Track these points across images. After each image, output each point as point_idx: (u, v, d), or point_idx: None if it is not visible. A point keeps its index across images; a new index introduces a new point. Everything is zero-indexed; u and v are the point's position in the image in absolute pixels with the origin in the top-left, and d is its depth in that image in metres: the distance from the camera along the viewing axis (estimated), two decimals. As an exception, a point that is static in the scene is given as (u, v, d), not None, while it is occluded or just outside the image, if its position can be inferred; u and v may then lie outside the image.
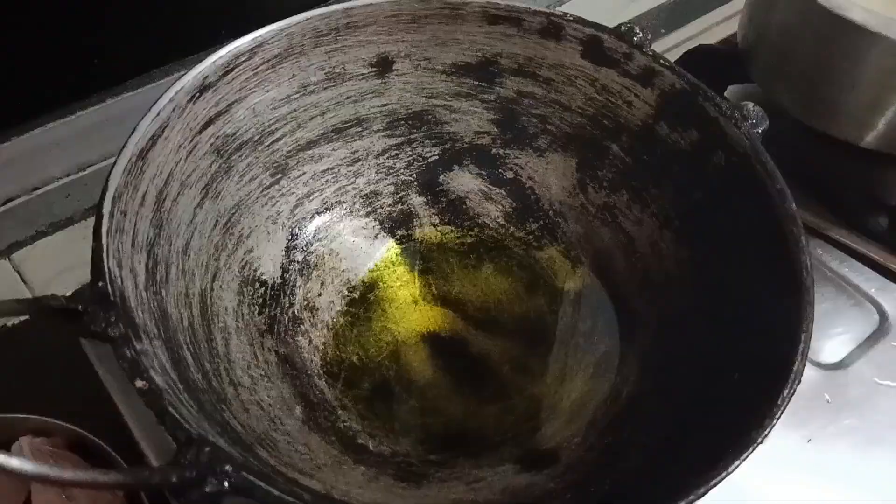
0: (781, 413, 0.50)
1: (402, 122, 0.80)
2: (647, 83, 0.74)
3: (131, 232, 0.57)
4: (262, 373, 0.65)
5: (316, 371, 0.68)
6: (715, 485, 0.47)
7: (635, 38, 0.73)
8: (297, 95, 0.74)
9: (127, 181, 0.57)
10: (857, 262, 0.87)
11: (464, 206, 0.82)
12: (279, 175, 0.75)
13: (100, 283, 0.49)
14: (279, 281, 0.73)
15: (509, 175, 0.82)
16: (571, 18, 0.74)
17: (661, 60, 0.72)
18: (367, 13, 0.74)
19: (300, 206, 0.77)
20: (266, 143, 0.73)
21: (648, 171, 0.75)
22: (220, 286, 0.67)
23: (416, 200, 0.82)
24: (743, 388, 0.56)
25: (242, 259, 0.71)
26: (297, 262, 0.75)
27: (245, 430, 0.57)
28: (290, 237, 0.76)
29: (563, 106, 0.79)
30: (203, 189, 0.68)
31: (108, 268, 0.51)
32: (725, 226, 0.67)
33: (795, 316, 0.55)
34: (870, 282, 0.86)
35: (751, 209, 0.64)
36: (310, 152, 0.77)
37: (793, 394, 0.51)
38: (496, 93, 0.80)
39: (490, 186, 0.82)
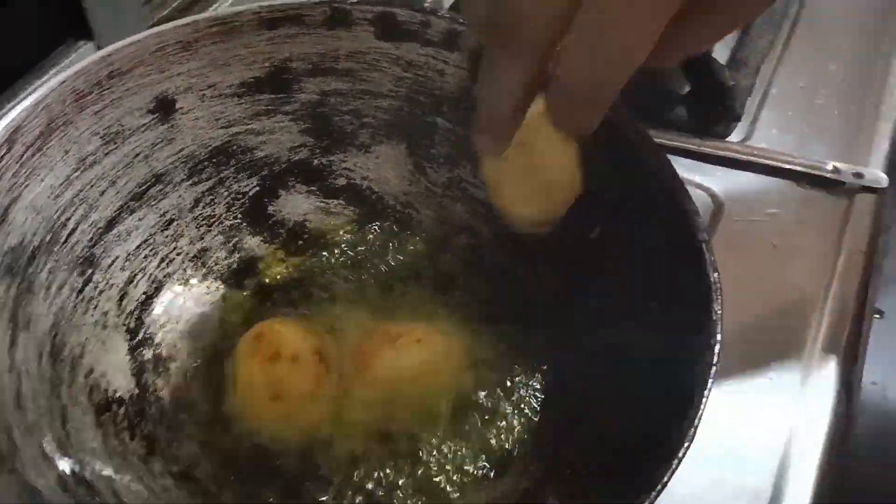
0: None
1: (206, 164, 0.70)
2: (452, 47, 0.70)
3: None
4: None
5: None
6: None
7: (426, 4, 0.69)
8: (78, 173, 0.62)
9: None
10: (676, 156, 0.91)
11: (305, 230, 0.74)
12: (89, 271, 0.63)
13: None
14: (136, 391, 0.62)
15: (341, 182, 0.75)
16: (356, 0, 0.68)
17: (461, 20, 0.69)
18: (130, 54, 0.63)
19: (126, 296, 0.65)
20: (61, 241, 0.61)
21: (481, 134, 0.72)
22: (76, 429, 0.55)
23: (253, 242, 0.73)
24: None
25: (86, 385, 0.59)
26: (148, 360, 0.64)
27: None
28: (128, 337, 0.64)
29: (373, 94, 0.73)
30: (9, 323, 0.54)
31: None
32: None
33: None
34: (692, 171, 0.90)
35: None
36: (114, 232, 0.65)
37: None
38: (298, 100, 0.72)
39: (325, 200, 0.75)
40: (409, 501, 0.57)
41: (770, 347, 0.75)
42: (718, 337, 0.50)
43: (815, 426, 0.70)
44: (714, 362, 0.48)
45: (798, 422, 0.70)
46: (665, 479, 0.44)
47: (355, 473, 0.59)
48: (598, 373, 0.59)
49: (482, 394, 0.63)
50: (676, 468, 0.44)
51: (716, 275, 0.53)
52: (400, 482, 0.58)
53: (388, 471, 0.59)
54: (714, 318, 0.50)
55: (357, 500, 0.57)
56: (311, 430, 0.61)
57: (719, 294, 0.52)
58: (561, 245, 0.67)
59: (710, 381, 0.47)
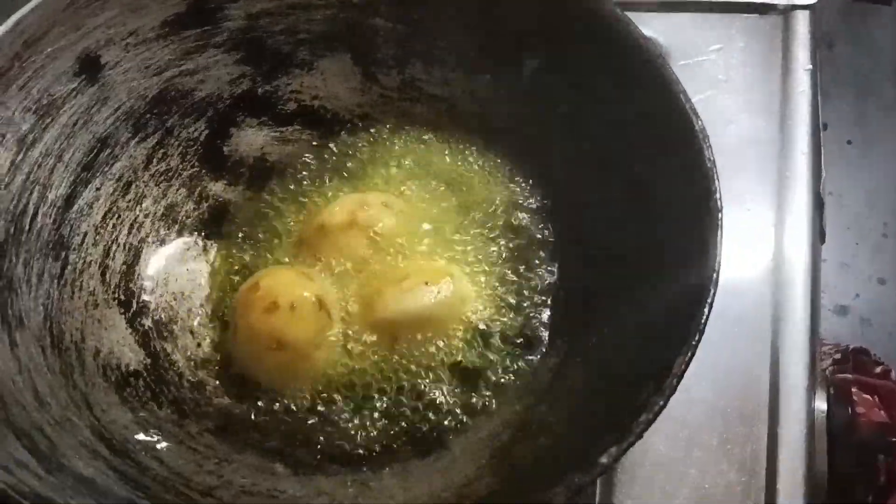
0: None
1: (148, 116, 0.66)
2: (375, -59, 0.66)
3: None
4: (217, 460, 0.55)
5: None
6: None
7: None
8: (21, 155, 0.58)
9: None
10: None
11: (266, 165, 0.72)
12: (63, 253, 0.60)
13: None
14: (148, 361, 0.60)
15: (292, 107, 0.72)
16: None
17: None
18: (39, 17, 0.58)
19: (107, 270, 0.63)
20: (26, 229, 0.57)
21: (424, 28, 0.69)
22: (103, 410, 0.54)
23: (217, 187, 0.70)
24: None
25: (97, 366, 0.57)
26: (150, 328, 0.62)
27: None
28: (122, 310, 0.62)
29: (303, 6, 0.69)
30: (3, 325, 0.52)
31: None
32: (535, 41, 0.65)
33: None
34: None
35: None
36: (75, 209, 0.62)
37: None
38: (226, 29, 0.68)
39: (279, 129, 0.72)
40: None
41: (742, 177, 0.77)
42: (717, 185, 0.51)
43: (797, 243, 0.74)
44: (720, 207, 0.49)
45: (781, 243, 0.73)
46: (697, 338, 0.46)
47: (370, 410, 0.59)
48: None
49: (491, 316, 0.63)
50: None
51: (700, 122, 0.53)
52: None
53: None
54: (708, 164, 0.51)
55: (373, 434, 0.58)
56: (318, 376, 0.60)
57: (707, 141, 0.52)
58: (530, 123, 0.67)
59: (720, 225, 0.49)
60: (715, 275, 0.48)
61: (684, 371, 0.45)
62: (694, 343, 0.46)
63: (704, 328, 0.47)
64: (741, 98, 0.85)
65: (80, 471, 0.47)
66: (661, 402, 0.44)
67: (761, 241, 0.74)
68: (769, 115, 0.84)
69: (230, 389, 0.60)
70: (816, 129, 0.84)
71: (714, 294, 0.48)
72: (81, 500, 0.43)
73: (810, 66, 0.87)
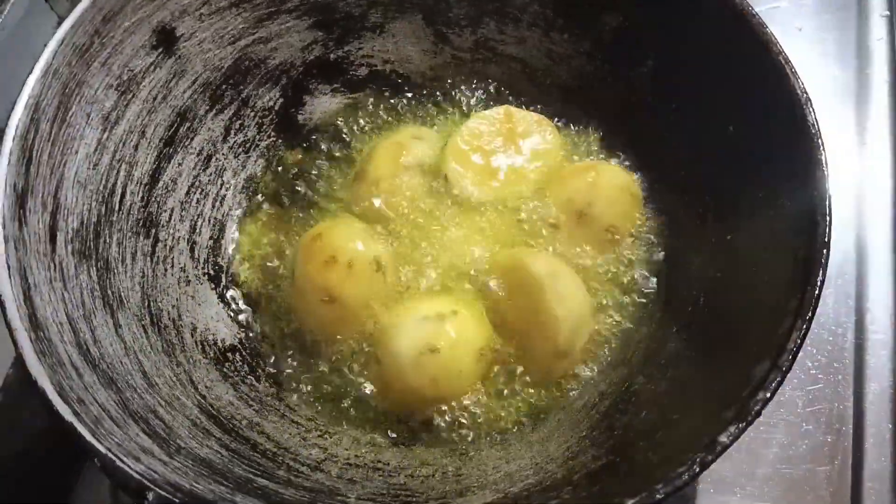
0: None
1: (224, 87, 0.66)
2: None
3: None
4: (320, 433, 0.56)
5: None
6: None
7: None
8: (107, 133, 0.57)
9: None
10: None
11: (337, 130, 0.71)
12: (153, 231, 0.60)
13: None
14: (242, 334, 0.61)
15: (363, 72, 0.71)
16: None
17: None
18: (118, -9, 0.57)
19: (195, 246, 0.63)
20: (116, 208, 0.57)
21: (499, -17, 0.67)
22: (207, 386, 0.55)
23: (295, 156, 0.69)
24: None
25: (195, 343, 0.58)
26: (239, 300, 0.63)
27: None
28: (213, 285, 0.63)
29: (374, -33, 0.67)
30: (105, 307, 0.52)
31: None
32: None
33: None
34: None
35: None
36: (160, 185, 0.62)
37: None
38: (298, -7, 0.66)
39: (352, 96, 0.71)
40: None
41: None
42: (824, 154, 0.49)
43: (879, 193, 0.73)
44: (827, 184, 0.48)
45: (863, 193, 0.72)
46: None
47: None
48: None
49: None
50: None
51: (802, 85, 0.51)
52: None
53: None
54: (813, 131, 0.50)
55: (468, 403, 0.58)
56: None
57: (812, 107, 0.51)
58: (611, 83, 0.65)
59: (828, 201, 0.48)
60: (825, 249, 0.47)
61: (800, 347, 0.45)
62: (809, 316, 0.45)
63: (818, 300, 0.46)
64: (817, 47, 0.82)
65: (198, 452, 0.47)
66: (779, 379, 0.43)
67: (843, 191, 0.73)
68: (846, 63, 0.82)
69: (317, 361, 0.60)
70: (894, 77, 0.82)
71: (826, 265, 0.47)
72: (206, 484, 0.44)
73: (888, 13, 0.84)
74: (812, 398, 0.65)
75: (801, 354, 0.66)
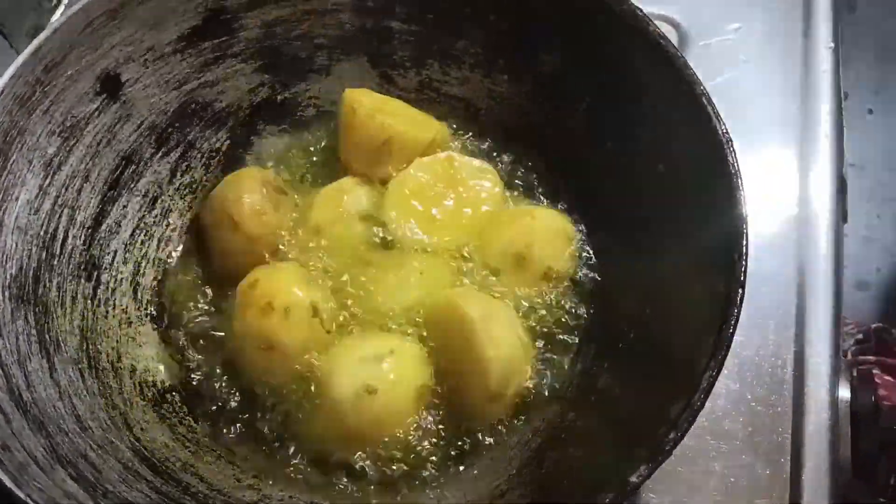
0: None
1: (170, 130, 0.67)
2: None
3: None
4: (255, 473, 0.57)
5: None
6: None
7: None
8: (49, 179, 0.59)
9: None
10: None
11: (287, 168, 0.72)
12: (95, 273, 0.61)
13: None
14: (183, 375, 0.62)
15: (311, 112, 0.72)
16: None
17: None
18: (59, 41, 0.58)
19: (138, 286, 0.64)
20: (57, 253, 0.59)
21: (441, 28, 0.69)
22: (142, 428, 0.56)
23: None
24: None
25: (133, 383, 0.59)
26: (182, 341, 0.63)
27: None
28: (155, 325, 0.64)
29: (318, 12, 0.69)
30: (41, 351, 0.53)
31: None
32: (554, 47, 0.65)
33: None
34: (651, 4, 0.88)
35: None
36: (104, 227, 0.63)
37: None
38: (243, 39, 0.68)
39: (299, 136, 0.72)
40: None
41: (764, 157, 0.77)
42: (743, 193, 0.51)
43: (820, 225, 0.74)
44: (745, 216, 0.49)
45: (805, 225, 0.74)
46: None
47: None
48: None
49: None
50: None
51: (724, 127, 0.53)
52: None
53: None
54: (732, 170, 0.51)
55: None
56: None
57: (732, 148, 0.52)
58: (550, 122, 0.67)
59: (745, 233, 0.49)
60: (741, 288, 0.48)
61: (713, 385, 0.46)
62: (722, 355, 0.46)
63: (731, 340, 0.47)
64: (762, 78, 0.84)
65: (126, 495, 0.48)
66: (691, 419, 0.44)
67: (784, 223, 0.74)
68: (791, 95, 0.83)
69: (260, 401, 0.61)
70: (839, 109, 0.83)
71: (741, 303, 0.48)
72: (130, 528, 0.45)
73: (832, 45, 0.86)
74: (752, 431, 0.66)
75: (740, 387, 0.70)
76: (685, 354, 0.49)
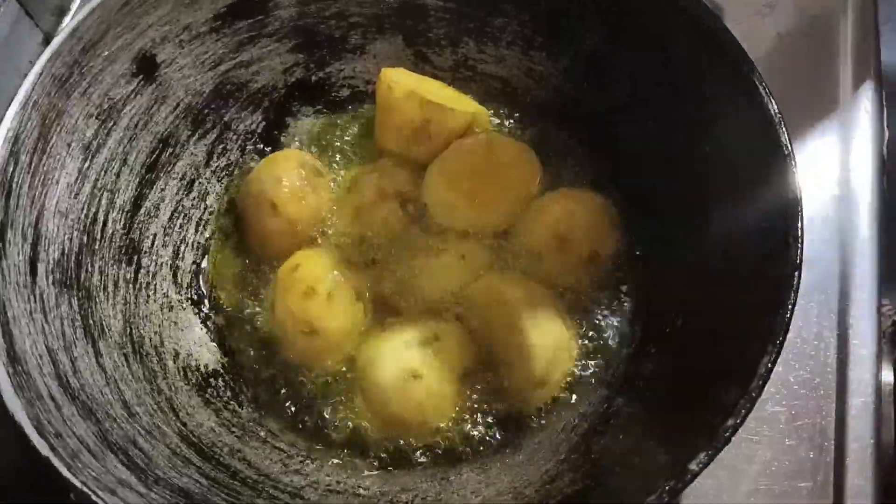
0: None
1: (206, 111, 0.66)
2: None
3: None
4: (301, 458, 0.56)
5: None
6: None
7: None
8: (88, 162, 0.58)
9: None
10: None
11: (321, 151, 0.71)
12: (136, 257, 0.61)
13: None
14: (225, 359, 0.62)
15: (345, 93, 0.71)
16: None
17: None
18: (96, 21, 0.57)
19: (178, 270, 0.64)
20: (98, 237, 0.58)
21: (477, 5, 0.67)
22: (188, 413, 0.55)
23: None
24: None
25: (176, 368, 0.58)
26: (223, 325, 0.63)
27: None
28: (195, 309, 0.63)
29: (354, -12, 0.67)
30: (86, 337, 0.53)
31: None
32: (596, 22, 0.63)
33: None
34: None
35: None
36: (143, 211, 0.62)
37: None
38: (278, 18, 0.66)
39: (335, 117, 0.71)
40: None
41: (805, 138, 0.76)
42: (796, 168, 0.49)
43: (861, 206, 0.73)
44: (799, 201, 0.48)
45: (847, 206, 0.72)
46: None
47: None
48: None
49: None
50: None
51: (776, 107, 0.52)
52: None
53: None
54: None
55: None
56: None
57: (784, 128, 0.51)
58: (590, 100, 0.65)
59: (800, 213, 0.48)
60: (797, 272, 0.47)
61: (771, 371, 0.45)
62: (780, 341, 0.45)
63: (789, 325, 0.46)
64: (799, 55, 0.82)
65: (177, 482, 0.48)
66: (749, 406, 0.44)
67: (826, 204, 0.73)
68: (828, 72, 0.82)
69: (303, 386, 0.61)
70: (879, 87, 0.82)
71: (798, 288, 0.47)
72: (183, 514, 0.45)
73: (872, 21, 0.84)
74: (795, 414, 0.65)
75: (783, 370, 0.69)
76: (737, 340, 0.48)
